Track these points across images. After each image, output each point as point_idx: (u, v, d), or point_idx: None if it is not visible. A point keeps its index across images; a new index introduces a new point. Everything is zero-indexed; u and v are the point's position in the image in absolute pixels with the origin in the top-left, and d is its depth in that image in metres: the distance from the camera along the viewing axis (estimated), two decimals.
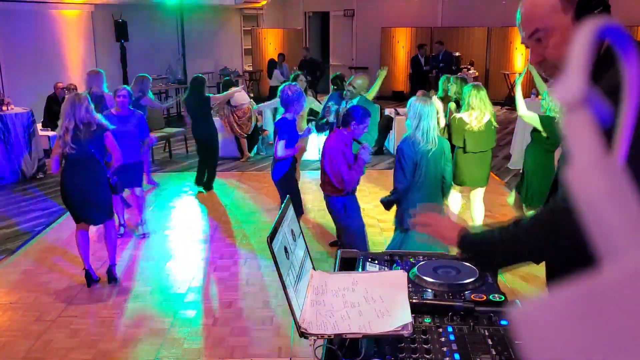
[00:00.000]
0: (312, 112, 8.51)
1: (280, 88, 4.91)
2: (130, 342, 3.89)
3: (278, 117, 4.95)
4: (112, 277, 4.71)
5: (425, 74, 13.29)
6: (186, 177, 8.07)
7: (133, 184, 5.64)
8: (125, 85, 5.76)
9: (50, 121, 9.32)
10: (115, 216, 5.05)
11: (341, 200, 4.30)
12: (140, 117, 5.68)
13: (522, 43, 1.38)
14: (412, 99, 4.09)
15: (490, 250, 1.46)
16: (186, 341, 3.89)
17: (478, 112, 4.89)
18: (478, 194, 5.37)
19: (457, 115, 4.99)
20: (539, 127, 4.75)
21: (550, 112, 4.73)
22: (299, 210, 5.10)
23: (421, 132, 3.92)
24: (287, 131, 4.66)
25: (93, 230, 5.24)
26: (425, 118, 3.91)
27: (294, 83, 5.23)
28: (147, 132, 5.72)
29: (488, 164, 5.25)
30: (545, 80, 5.01)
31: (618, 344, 0.32)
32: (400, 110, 9.11)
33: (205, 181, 7.26)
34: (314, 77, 14.18)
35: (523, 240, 1.37)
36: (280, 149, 4.62)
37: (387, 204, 4.18)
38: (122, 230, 5.74)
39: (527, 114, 4.84)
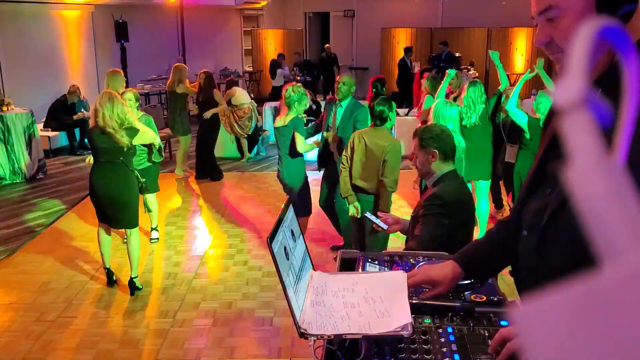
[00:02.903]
0: (311, 113, 8.51)
1: (286, 90, 4.82)
2: (130, 342, 3.89)
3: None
4: (134, 288, 4.55)
5: (411, 77, 13.25)
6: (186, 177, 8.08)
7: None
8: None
9: (53, 121, 9.32)
10: None
11: None
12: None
13: (532, 18, 1.18)
14: (439, 102, 4.14)
15: (488, 258, 1.56)
16: (186, 341, 3.89)
17: (466, 110, 5.08)
18: (483, 191, 5.39)
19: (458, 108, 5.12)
20: (524, 128, 4.83)
21: (538, 113, 4.80)
22: (309, 210, 5.11)
23: None
24: (302, 128, 4.74)
25: None
26: (443, 120, 3.97)
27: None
28: None
29: (488, 159, 5.30)
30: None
31: (619, 345, 0.32)
32: (399, 111, 9.09)
33: (209, 171, 7.80)
34: (313, 78, 14.23)
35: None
36: (300, 142, 4.67)
37: None
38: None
39: (515, 111, 4.84)
